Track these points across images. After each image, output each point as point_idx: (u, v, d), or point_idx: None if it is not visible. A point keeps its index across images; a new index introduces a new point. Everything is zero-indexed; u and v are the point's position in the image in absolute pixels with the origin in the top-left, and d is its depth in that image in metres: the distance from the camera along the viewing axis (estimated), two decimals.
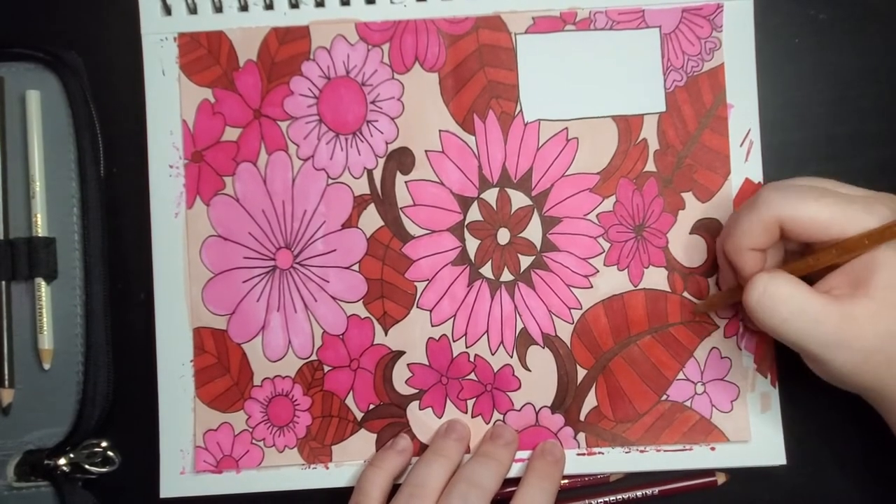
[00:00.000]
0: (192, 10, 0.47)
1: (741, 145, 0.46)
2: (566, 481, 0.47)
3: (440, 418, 0.47)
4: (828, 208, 0.37)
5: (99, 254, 0.46)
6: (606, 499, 0.46)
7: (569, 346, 0.46)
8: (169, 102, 0.47)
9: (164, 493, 0.47)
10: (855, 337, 0.36)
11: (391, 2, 0.46)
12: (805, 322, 0.37)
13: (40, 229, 0.45)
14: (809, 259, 0.39)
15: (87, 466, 0.46)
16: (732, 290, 0.43)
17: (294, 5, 0.47)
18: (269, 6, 0.47)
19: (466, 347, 0.47)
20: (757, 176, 0.46)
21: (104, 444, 0.46)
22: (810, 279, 0.39)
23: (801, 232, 0.38)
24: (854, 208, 0.37)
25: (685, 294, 0.46)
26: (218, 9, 0.47)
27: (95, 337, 0.45)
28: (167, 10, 0.47)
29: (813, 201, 0.37)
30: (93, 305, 0.45)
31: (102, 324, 0.46)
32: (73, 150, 0.46)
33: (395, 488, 0.44)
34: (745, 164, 0.46)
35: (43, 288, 0.45)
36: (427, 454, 0.45)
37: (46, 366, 0.45)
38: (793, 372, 0.45)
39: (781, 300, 0.37)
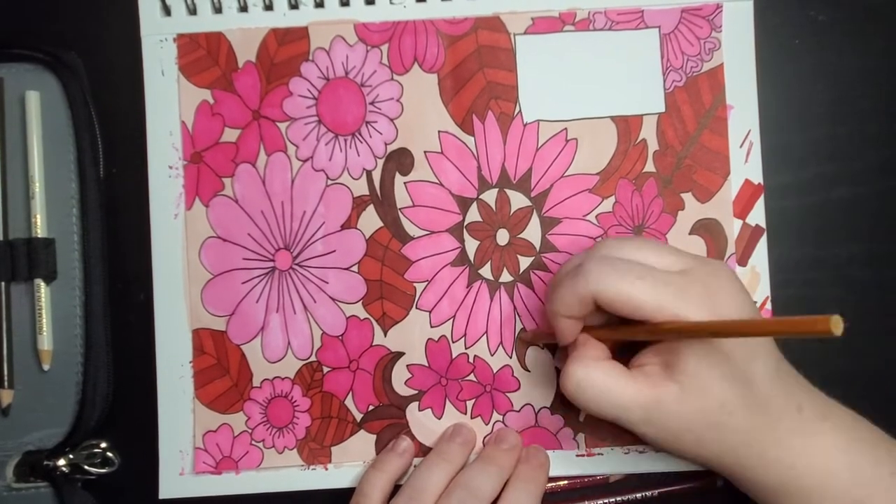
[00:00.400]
0: (192, 10, 0.47)
1: (741, 146, 0.46)
2: (565, 482, 0.47)
3: (440, 419, 0.47)
4: (643, 292, 0.37)
5: (99, 254, 0.46)
6: (606, 500, 0.47)
7: None
8: (168, 103, 0.47)
9: (164, 494, 0.47)
10: (662, 419, 0.38)
11: (390, 2, 0.46)
12: (617, 409, 0.39)
13: (40, 230, 0.45)
14: (622, 330, 0.40)
15: (86, 467, 0.46)
16: (553, 335, 0.43)
17: (293, 6, 0.46)
18: (269, 7, 0.46)
19: (466, 348, 0.47)
20: (757, 177, 0.46)
21: (104, 444, 0.46)
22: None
23: (616, 309, 0.38)
24: (667, 294, 0.37)
25: None
26: (217, 10, 0.47)
27: (95, 338, 0.45)
28: (167, 11, 0.47)
29: (628, 283, 0.37)
30: (92, 306, 0.45)
31: (102, 324, 0.46)
32: (73, 150, 0.46)
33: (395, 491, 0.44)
34: (745, 164, 0.46)
35: (42, 289, 0.45)
36: (430, 457, 0.45)
37: (46, 367, 0.45)
38: None
39: (595, 392, 0.39)
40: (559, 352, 0.46)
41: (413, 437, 0.47)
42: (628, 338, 0.40)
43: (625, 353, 0.41)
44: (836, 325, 0.30)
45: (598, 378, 0.39)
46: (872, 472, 0.39)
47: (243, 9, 0.47)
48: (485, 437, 0.47)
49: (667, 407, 0.38)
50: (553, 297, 0.40)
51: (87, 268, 0.46)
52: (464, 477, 0.43)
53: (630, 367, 0.40)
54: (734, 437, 0.38)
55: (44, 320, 0.45)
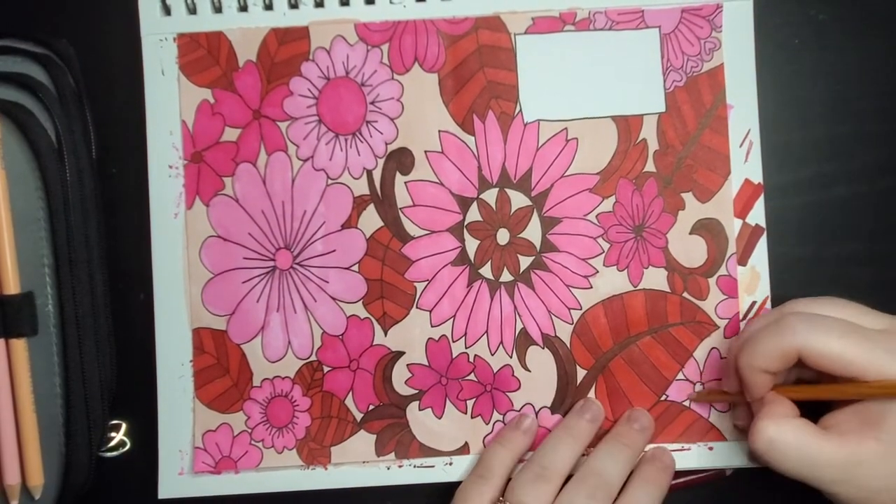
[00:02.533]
0: (192, 10, 0.46)
1: (741, 146, 0.46)
2: (682, 480, 0.46)
3: (440, 419, 0.47)
4: (851, 347, 0.37)
5: (96, 245, 0.45)
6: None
7: (568, 346, 0.46)
8: (169, 103, 0.46)
9: (163, 493, 0.47)
10: (861, 477, 0.38)
11: (391, 2, 0.46)
12: (812, 468, 0.38)
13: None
14: (821, 389, 0.40)
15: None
16: (734, 394, 0.44)
17: (293, 6, 0.46)
18: (269, 6, 0.46)
19: (466, 348, 0.47)
20: (757, 176, 0.46)
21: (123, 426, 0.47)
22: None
23: (820, 365, 0.38)
24: (878, 351, 0.37)
25: (685, 294, 0.46)
26: (217, 9, 0.47)
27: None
28: (167, 11, 0.47)
29: (837, 338, 0.37)
30: (96, 299, 0.45)
31: (104, 322, 0.46)
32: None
33: None
34: (745, 164, 0.46)
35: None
36: (558, 432, 0.45)
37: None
38: None
39: (789, 450, 0.38)
40: (737, 409, 0.46)
41: (413, 438, 0.47)
42: (829, 397, 0.40)
43: (806, 414, 0.41)
44: None
45: (791, 436, 0.38)
46: None
47: (243, 8, 0.46)
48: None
49: (867, 465, 0.37)
50: (750, 350, 0.40)
51: (90, 258, 0.45)
52: (595, 462, 0.43)
53: (820, 426, 0.39)
54: None
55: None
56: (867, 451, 0.37)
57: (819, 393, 0.40)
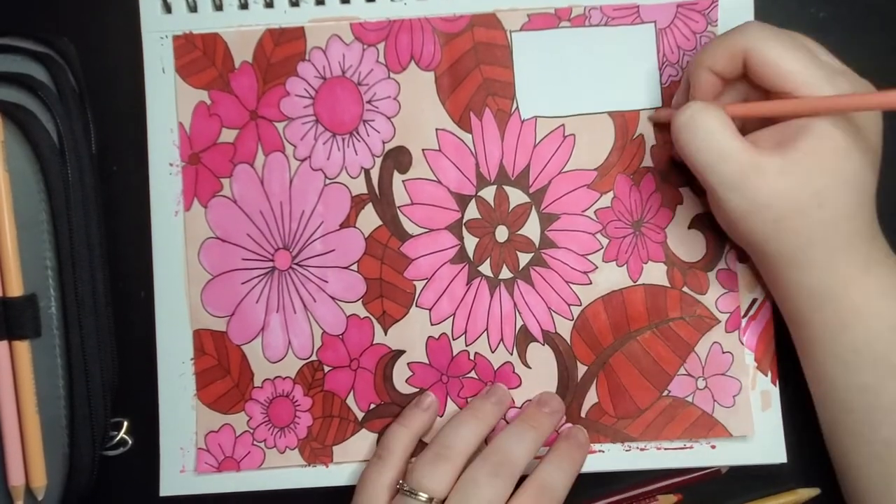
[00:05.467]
0: (193, 8, 0.47)
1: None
2: (678, 479, 0.46)
3: (441, 417, 0.47)
4: (794, 61, 0.38)
5: (98, 242, 0.46)
6: (613, 498, 0.47)
7: (569, 342, 0.46)
8: (169, 100, 0.47)
9: (164, 491, 0.47)
10: (753, 186, 0.38)
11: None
12: (714, 157, 0.38)
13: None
14: (752, 105, 0.40)
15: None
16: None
17: (294, 3, 0.47)
18: (269, 4, 0.47)
19: (466, 346, 0.47)
20: None
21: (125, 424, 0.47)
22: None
23: (759, 72, 0.38)
24: (819, 73, 0.37)
25: (685, 289, 0.46)
26: (218, 7, 0.47)
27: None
28: (167, 9, 0.47)
29: (784, 48, 0.38)
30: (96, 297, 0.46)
31: (105, 320, 0.46)
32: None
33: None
34: None
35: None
36: (462, 413, 0.44)
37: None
38: (793, 370, 0.45)
39: (703, 130, 0.38)
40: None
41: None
42: (758, 113, 0.40)
43: None
44: None
45: (711, 119, 0.38)
46: None
47: (244, 6, 0.47)
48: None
49: (764, 175, 0.38)
50: (702, 49, 0.40)
51: (92, 257, 0.45)
52: (500, 441, 0.43)
53: None
54: (812, 230, 0.38)
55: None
56: (769, 162, 0.38)
57: (752, 108, 0.40)
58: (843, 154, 0.37)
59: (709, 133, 0.38)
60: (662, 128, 0.46)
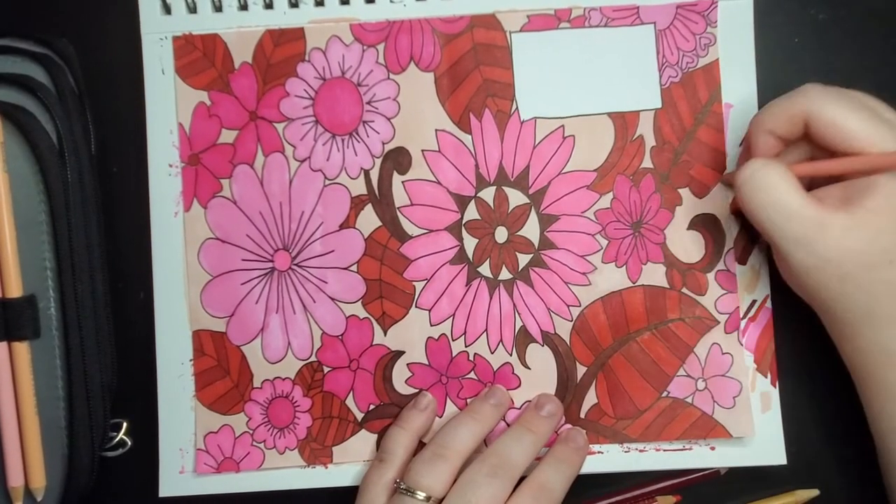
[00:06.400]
0: (192, 9, 0.47)
1: (740, 145, 0.46)
2: (677, 480, 0.47)
3: (440, 418, 0.47)
4: (858, 120, 0.38)
5: (97, 244, 0.46)
6: (613, 499, 0.47)
7: (568, 343, 0.46)
8: (169, 101, 0.47)
9: (164, 492, 0.47)
10: (819, 242, 0.38)
11: (390, 1, 0.47)
12: (779, 214, 0.38)
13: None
14: (818, 163, 0.40)
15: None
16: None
17: (294, 4, 0.47)
18: (269, 5, 0.47)
19: (466, 346, 0.47)
20: None
21: (124, 425, 0.47)
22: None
23: (823, 133, 0.38)
24: (883, 130, 0.37)
25: (684, 290, 0.46)
26: (217, 8, 0.47)
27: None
28: (167, 10, 0.47)
29: (846, 109, 0.38)
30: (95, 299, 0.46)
31: (105, 319, 0.46)
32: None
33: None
34: None
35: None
36: (460, 415, 0.45)
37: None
38: (793, 372, 0.45)
39: (765, 186, 0.38)
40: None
41: None
42: (823, 171, 0.40)
43: None
44: None
45: (774, 175, 0.38)
46: None
47: (243, 7, 0.47)
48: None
49: (829, 232, 0.37)
50: (762, 111, 0.40)
51: (91, 258, 0.45)
52: (498, 444, 0.43)
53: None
54: (881, 287, 0.38)
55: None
56: (835, 219, 0.37)
57: (817, 167, 0.40)
58: None
59: (772, 189, 0.38)
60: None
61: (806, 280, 0.39)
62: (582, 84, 0.46)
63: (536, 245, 0.47)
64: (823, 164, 0.39)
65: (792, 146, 0.41)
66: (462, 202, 0.47)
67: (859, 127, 0.37)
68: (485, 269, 0.47)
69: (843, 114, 0.38)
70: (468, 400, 0.46)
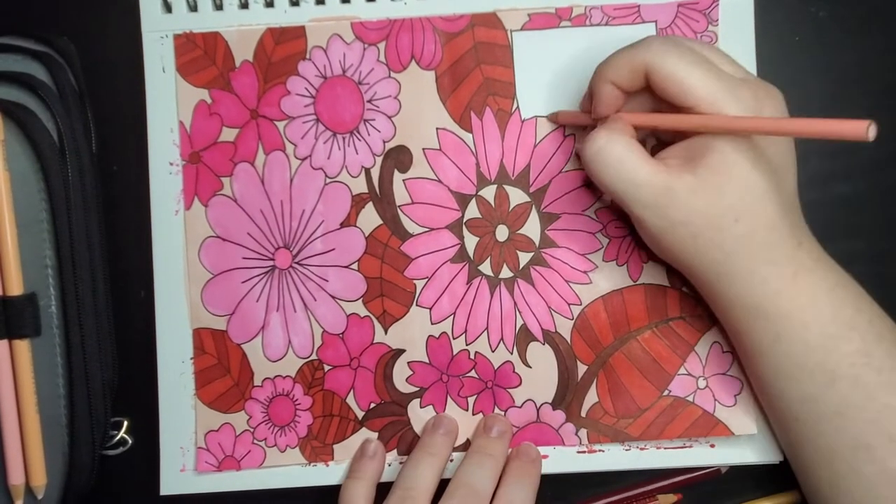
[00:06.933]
0: (193, 7, 0.47)
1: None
2: (677, 479, 0.47)
3: (442, 414, 0.47)
4: (697, 76, 0.37)
5: (98, 243, 0.46)
6: (613, 498, 0.47)
7: (569, 342, 0.46)
8: (169, 99, 0.47)
9: (165, 490, 0.47)
10: (668, 206, 0.38)
11: None
12: (629, 185, 0.39)
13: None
14: (655, 116, 0.40)
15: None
16: (582, 114, 0.44)
17: (294, 3, 0.47)
18: (270, 4, 0.47)
19: (466, 345, 0.47)
20: None
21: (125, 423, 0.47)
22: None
23: (663, 86, 0.38)
24: (719, 87, 0.37)
25: (685, 288, 0.46)
26: (218, 6, 0.47)
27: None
28: (167, 8, 0.47)
29: (686, 62, 0.38)
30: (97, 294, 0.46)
31: (106, 318, 0.46)
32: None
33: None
34: None
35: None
36: (415, 453, 0.45)
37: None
38: None
39: (613, 161, 0.39)
40: (585, 131, 0.45)
41: (415, 435, 0.47)
42: (661, 125, 0.40)
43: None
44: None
45: (619, 148, 0.39)
46: (852, 315, 0.39)
47: (244, 6, 0.47)
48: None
49: (677, 195, 0.38)
50: (605, 61, 0.40)
51: (92, 257, 0.45)
52: (462, 475, 0.43)
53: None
54: (732, 243, 0.38)
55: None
56: (680, 182, 0.38)
57: (655, 120, 0.40)
58: (751, 168, 0.38)
59: (618, 162, 0.39)
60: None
61: (662, 243, 0.40)
62: (583, 83, 0.46)
63: (537, 243, 0.47)
64: (660, 118, 0.40)
65: (636, 96, 0.41)
66: (463, 200, 0.47)
67: (698, 83, 0.37)
68: (486, 268, 0.47)
69: (683, 67, 0.38)
70: (468, 399, 0.46)
